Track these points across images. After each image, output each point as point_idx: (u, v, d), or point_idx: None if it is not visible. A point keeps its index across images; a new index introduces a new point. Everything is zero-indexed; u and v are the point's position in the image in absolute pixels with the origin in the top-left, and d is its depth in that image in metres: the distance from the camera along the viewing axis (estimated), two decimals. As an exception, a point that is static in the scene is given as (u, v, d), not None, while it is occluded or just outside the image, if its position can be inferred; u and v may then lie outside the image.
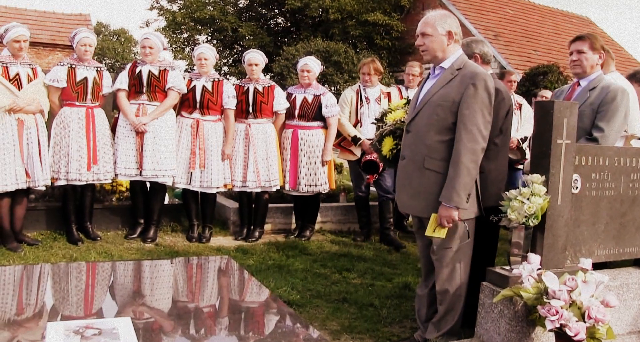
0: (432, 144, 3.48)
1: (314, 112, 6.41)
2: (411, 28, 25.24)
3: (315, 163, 6.43)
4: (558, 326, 2.89)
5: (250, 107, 6.26)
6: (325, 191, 6.61)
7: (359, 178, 6.75)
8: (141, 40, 5.99)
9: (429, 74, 3.70)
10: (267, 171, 6.27)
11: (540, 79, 18.81)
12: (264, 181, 6.26)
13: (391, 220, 6.86)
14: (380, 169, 6.45)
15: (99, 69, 5.87)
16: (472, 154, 3.35)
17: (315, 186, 6.45)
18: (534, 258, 3.15)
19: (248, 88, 6.32)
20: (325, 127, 6.51)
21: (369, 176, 6.55)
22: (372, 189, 6.98)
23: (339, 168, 9.02)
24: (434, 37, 3.49)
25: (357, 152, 6.61)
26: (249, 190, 6.31)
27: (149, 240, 6.04)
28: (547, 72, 19.26)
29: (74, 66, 5.73)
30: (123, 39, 22.16)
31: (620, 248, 3.85)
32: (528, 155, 7.39)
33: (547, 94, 9.14)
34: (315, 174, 6.43)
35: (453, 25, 3.51)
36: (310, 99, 6.43)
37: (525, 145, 7.04)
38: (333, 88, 18.01)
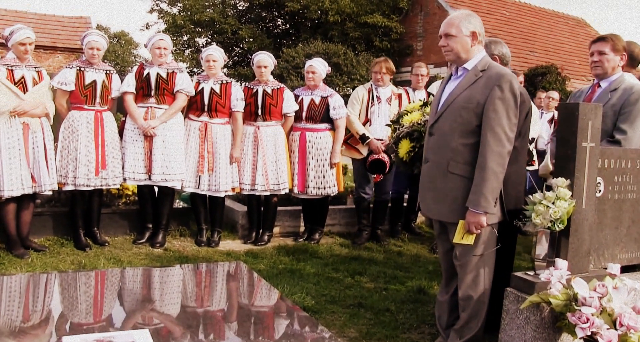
0: (457, 147, 3.40)
1: (321, 114, 6.35)
2: (409, 30, 25.38)
3: (323, 166, 6.37)
4: (589, 333, 2.83)
5: (259, 109, 6.19)
6: (334, 194, 6.55)
7: (362, 178, 6.70)
8: (154, 41, 5.88)
9: (450, 75, 3.63)
10: (276, 174, 6.21)
11: (539, 80, 18.84)
12: (273, 184, 6.20)
13: (384, 220, 6.94)
14: (387, 169, 6.41)
15: (108, 71, 5.79)
16: (499, 158, 3.28)
17: (324, 188, 6.39)
18: (562, 263, 3.09)
19: (257, 90, 6.25)
20: (333, 129, 6.44)
21: (375, 176, 6.51)
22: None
23: (344, 169, 8.95)
24: (458, 38, 3.42)
25: (364, 151, 6.56)
26: (257, 193, 6.25)
27: (158, 245, 5.96)
28: (545, 73, 19.30)
29: (82, 69, 5.64)
30: (123, 42, 22.04)
31: (642, 251, 3.81)
32: (535, 157, 7.37)
33: (553, 95, 9.09)
34: (324, 176, 6.37)
35: (477, 25, 3.44)
36: (317, 100, 6.37)
37: (532, 147, 6.99)
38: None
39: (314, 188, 6.38)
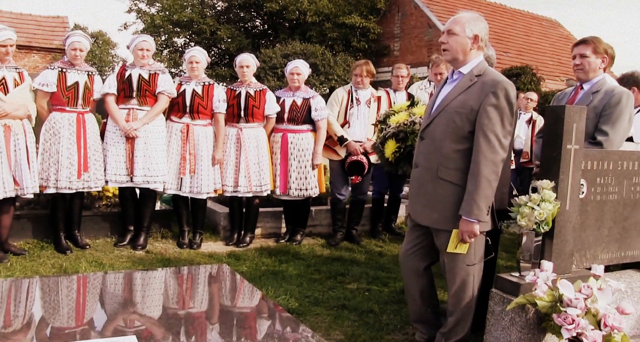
0: (448, 153, 3.37)
1: (303, 116, 6.34)
2: (387, 30, 25.48)
3: (305, 167, 6.36)
4: (574, 334, 2.86)
5: (242, 111, 6.16)
6: (316, 195, 6.55)
7: (338, 179, 6.72)
8: (137, 42, 5.82)
9: (446, 79, 3.62)
10: (258, 175, 6.20)
11: (513, 81, 18.98)
12: (256, 185, 6.18)
13: (360, 221, 6.97)
14: (366, 171, 6.44)
15: (90, 73, 5.72)
16: (493, 165, 3.25)
17: (306, 190, 6.39)
18: (547, 265, 3.11)
19: (240, 92, 6.22)
20: (315, 130, 6.44)
21: (353, 177, 6.53)
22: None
23: (324, 170, 8.95)
24: (459, 37, 3.38)
25: (342, 152, 6.59)
26: (240, 195, 6.22)
27: (139, 247, 5.91)
28: (520, 73, 19.46)
29: (64, 70, 5.56)
30: (101, 42, 21.77)
31: (623, 251, 3.87)
32: (512, 156, 7.43)
33: (532, 96, 9.20)
34: (306, 178, 6.37)
35: (482, 30, 3.40)
36: (299, 102, 6.36)
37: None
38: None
39: (295, 189, 6.37)
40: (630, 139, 4.57)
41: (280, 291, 4.78)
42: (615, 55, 4.57)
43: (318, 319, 4.30)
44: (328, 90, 20.30)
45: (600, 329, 2.90)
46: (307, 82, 6.66)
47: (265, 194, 6.32)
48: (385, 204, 7.26)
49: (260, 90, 6.27)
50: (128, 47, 5.95)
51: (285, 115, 6.36)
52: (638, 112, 5.32)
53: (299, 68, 6.37)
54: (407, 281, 3.82)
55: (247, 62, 6.26)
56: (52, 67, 5.59)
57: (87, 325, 2.63)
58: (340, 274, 5.46)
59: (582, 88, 4.13)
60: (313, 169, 6.40)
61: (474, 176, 3.26)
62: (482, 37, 3.42)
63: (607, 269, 3.85)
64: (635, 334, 3.75)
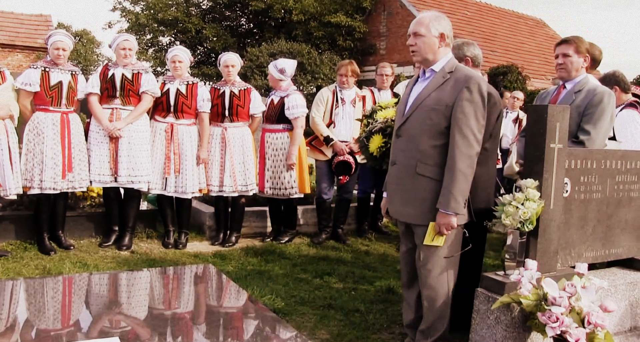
0: (425, 149, 3.41)
1: (277, 114, 6.31)
2: (373, 29, 25.55)
3: (278, 166, 6.34)
4: (559, 332, 2.88)
5: (226, 110, 6.15)
6: (293, 196, 6.44)
7: (324, 179, 6.72)
8: (119, 42, 5.79)
9: (418, 77, 3.64)
10: (243, 175, 6.18)
11: (500, 79, 19.09)
12: (241, 185, 6.17)
13: (345, 219, 6.96)
14: (353, 170, 6.44)
15: (74, 72, 5.67)
16: (468, 159, 3.30)
17: (279, 189, 6.36)
18: (532, 264, 3.13)
19: (224, 91, 6.20)
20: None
21: (341, 177, 6.52)
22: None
23: (310, 169, 8.92)
24: (427, 37, 3.42)
25: (328, 152, 6.59)
26: (226, 194, 6.20)
27: (124, 248, 5.88)
28: (506, 72, 19.59)
29: (47, 69, 5.51)
30: (85, 41, 21.64)
31: (607, 249, 3.89)
32: (499, 156, 7.48)
33: (518, 94, 9.24)
34: (279, 178, 6.34)
35: (447, 27, 3.45)
36: (276, 100, 6.36)
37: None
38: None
39: (270, 188, 6.37)
40: (613, 138, 4.61)
41: (266, 290, 4.77)
42: (602, 58, 4.62)
43: (304, 319, 4.30)
44: (315, 89, 20.33)
45: (584, 327, 2.92)
46: (294, 81, 6.65)
47: (251, 193, 6.30)
48: (371, 203, 7.27)
49: (244, 89, 6.26)
50: (110, 46, 5.91)
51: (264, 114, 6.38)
52: (621, 111, 5.37)
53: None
54: (405, 282, 3.83)
55: (232, 61, 6.23)
56: (35, 67, 5.53)
57: (72, 327, 2.61)
58: (326, 274, 5.46)
59: (564, 87, 4.15)
60: (288, 169, 6.34)
61: (450, 170, 3.31)
62: (448, 34, 3.46)
63: (593, 267, 3.88)
64: (618, 330, 3.78)
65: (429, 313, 3.57)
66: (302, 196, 6.54)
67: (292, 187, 6.37)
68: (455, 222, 3.33)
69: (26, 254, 5.53)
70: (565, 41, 4.11)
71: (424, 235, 3.45)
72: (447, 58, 3.49)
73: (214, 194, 6.26)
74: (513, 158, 4.85)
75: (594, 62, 4.56)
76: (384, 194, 3.83)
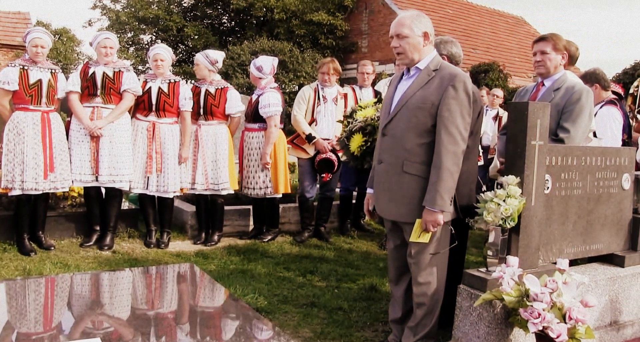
0: (412, 147, 3.41)
1: (252, 113, 6.30)
2: (354, 27, 25.59)
3: (252, 166, 6.33)
4: (541, 328, 2.90)
5: (201, 109, 6.12)
6: (267, 195, 6.40)
7: (306, 178, 6.72)
8: (100, 40, 5.73)
9: (402, 74, 3.65)
10: (215, 173, 6.13)
11: (482, 77, 19.20)
12: (212, 183, 6.13)
13: (328, 217, 6.97)
14: (335, 168, 6.45)
15: (53, 70, 5.59)
16: (454, 157, 3.31)
17: (253, 189, 6.35)
18: (513, 260, 3.15)
19: (200, 90, 6.18)
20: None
21: (323, 175, 6.52)
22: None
23: (291, 168, 8.90)
24: (411, 38, 3.42)
25: (310, 150, 6.59)
26: (197, 192, 6.18)
27: (106, 247, 5.82)
28: (488, 70, 19.71)
29: (26, 68, 5.42)
30: (65, 39, 21.46)
31: (587, 245, 3.92)
32: (480, 153, 7.52)
33: (497, 92, 9.29)
34: (253, 177, 6.32)
35: (428, 25, 3.46)
36: (254, 99, 6.34)
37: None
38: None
39: (244, 187, 6.39)
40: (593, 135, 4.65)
41: (249, 289, 4.76)
42: (579, 55, 4.66)
43: (287, 317, 4.29)
44: (297, 87, 20.32)
45: (566, 322, 2.94)
46: (276, 80, 6.63)
47: (223, 192, 6.21)
48: (354, 201, 7.28)
49: (221, 88, 6.20)
50: (91, 45, 5.86)
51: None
52: (601, 108, 5.43)
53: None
54: (392, 278, 3.83)
55: (198, 60, 6.22)
56: (13, 65, 5.43)
57: (53, 329, 2.59)
58: (309, 272, 5.45)
59: (543, 84, 4.18)
60: (263, 169, 6.31)
61: (436, 168, 3.31)
62: (430, 32, 3.48)
63: (574, 262, 3.91)
64: (599, 325, 3.82)
65: (418, 309, 3.58)
66: (279, 195, 6.52)
67: (267, 187, 6.35)
68: (442, 219, 3.34)
69: (5, 255, 5.45)
70: (542, 38, 4.13)
71: (411, 232, 3.46)
72: (431, 56, 3.49)
73: (186, 192, 6.23)
74: (496, 158, 4.89)
75: (571, 59, 4.59)
76: (369, 190, 3.84)
